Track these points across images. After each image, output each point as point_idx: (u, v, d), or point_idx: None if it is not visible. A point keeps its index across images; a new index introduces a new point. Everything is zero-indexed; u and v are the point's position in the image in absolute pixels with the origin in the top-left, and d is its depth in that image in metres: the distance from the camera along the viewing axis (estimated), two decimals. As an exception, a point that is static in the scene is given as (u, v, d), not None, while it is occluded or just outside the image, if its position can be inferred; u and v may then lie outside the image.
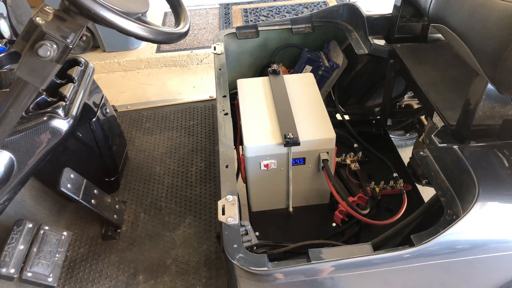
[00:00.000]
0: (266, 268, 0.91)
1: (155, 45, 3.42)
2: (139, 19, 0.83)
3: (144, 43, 3.42)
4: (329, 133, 1.36)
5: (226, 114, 1.36)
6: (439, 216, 1.02)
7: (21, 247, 1.20)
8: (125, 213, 1.53)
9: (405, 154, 1.95)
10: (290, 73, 1.92)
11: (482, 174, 0.99)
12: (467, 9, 0.95)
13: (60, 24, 0.76)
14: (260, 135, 1.36)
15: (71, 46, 0.77)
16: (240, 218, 1.15)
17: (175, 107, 2.05)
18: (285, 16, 3.68)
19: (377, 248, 0.99)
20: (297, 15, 3.70)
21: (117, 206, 1.51)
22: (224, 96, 1.44)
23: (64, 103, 1.19)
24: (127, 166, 1.73)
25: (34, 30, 0.77)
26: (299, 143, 1.32)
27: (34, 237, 1.25)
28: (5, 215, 1.31)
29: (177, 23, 0.95)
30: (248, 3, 3.95)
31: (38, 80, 0.79)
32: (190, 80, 3.16)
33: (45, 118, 1.15)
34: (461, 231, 0.94)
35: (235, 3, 3.95)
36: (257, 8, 3.84)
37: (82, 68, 1.36)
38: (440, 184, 1.07)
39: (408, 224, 1.20)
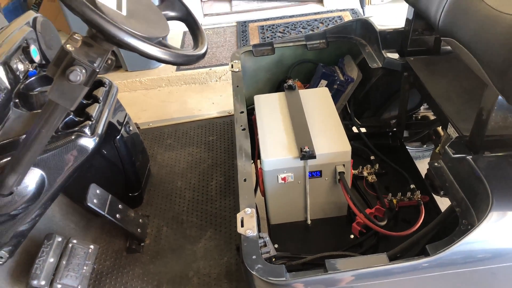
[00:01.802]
0: (284, 279, 0.94)
1: (175, 64, 3.52)
2: (160, 42, 0.89)
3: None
4: (345, 146, 1.39)
5: (244, 129, 1.41)
6: (455, 226, 1.04)
7: (51, 260, 1.26)
8: (148, 227, 1.59)
9: (423, 166, 1.95)
10: (306, 88, 1.96)
11: (496, 183, 1.01)
12: (474, 23, 0.98)
13: (88, 50, 0.82)
14: (277, 149, 1.40)
15: (97, 70, 0.83)
16: (259, 230, 1.19)
17: (195, 123, 2.12)
18: (301, 31, 3.74)
19: (394, 259, 1.01)
20: (313, 30, 3.77)
21: (140, 220, 1.56)
22: (242, 112, 1.49)
23: (90, 122, 1.26)
24: (150, 182, 1.79)
25: (64, 56, 0.84)
26: (315, 156, 1.35)
27: (63, 250, 1.31)
28: (36, 230, 1.38)
29: (196, 45, 1.01)
30: (265, 20, 4.03)
31: (68, 102, 0.85)
32: (209, 97, 3.24)
33: (73, 137, 1.22)
34: (475, 241, 0.96)
35: (252, 21, 4.04)
36: (273, 25, 3.92)
37: (106, 88, 1.43)
38: (455, 194, 1.09)
39: (425, 235, 1.21)
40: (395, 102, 1.90)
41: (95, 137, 1.26)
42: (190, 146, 1.97)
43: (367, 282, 0.96)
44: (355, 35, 1.88)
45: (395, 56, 1.68)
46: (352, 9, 4.03)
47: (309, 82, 1.99)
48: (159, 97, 3.33)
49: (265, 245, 1.10)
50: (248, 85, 1.99)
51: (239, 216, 1.09)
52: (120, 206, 1.50)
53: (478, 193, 1.02)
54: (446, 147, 1.19)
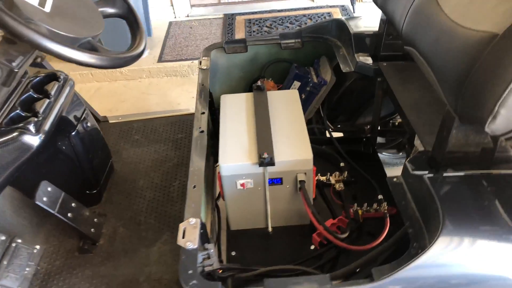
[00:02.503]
0: (217, 298, 0.89)
1: (157, 55, 3.45)
2: (89, 43, 0.82)
3: (146, 53, 3.45)
4: (307, 154, 1.34)
5: (202, 131, 1.35)
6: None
7: (-9, 260, 1.21)
8: (104, 227, 1.53)
9: (396, 174, 1.90)
10: (279, 88, 1.90)
11: (450, 206, 0.95)
12: (433, 35, 0.92)
13: (8, 47, 0.76)
14: (236, 154, 1.34)
15: (16, 70, 0.76)
16: (208, 241, 1.13)
17: (166, 120, 2.05)
18: (288, 27, 3.67)
19: (340, 278, 0.97)
20: (300, 26, 3.69)
21: (95, 219, 1.50)
22: (203, 113, 1.43)
23: (36, 119, 1.19)
24: (112, 179, 1.73)
25: None
26: (274, 163, 1.30)
27: (6, 250, 1.25)
28: (-18, 226, 1.32)
29: (132, 43, 0.94)
30: (253, 13, 3.95)
31: None
32: (190, 90, 3.17)
33: (15, 134, 1.15)
34: (423, 266, 0.91)
35: (239, 14, 3.96)
36: (261, 19, 3.84)
37: (60, 83, 1.36)
38: (410, 214, 1.04)
39: (381, 253, 1.16)
40: (370, 107, 1.84)
41: (40, 135, 1.19)
42: (157, 143, 1.91)
43: (306, 305, 0.91)
44: (331, 36, 1.82)
45: (369, 60, 1.62)
46: (343, 6, 3.95)
47: (284, 82, 1.93)
48: (139, 89, 3.25)
49: (208, 258, 1.05)
50: (220, 83, 1.93)
51: (181, 226, 1.03)
52: (73, 204, 1.44)
53: (431, 215, 0.97)
54: (406, 162, 1.14)
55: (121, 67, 0.81)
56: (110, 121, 2.06)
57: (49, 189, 1.38)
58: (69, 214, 1.40)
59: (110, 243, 1.48)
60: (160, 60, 3.36)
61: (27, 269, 1.26)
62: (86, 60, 0.74)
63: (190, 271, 0.94)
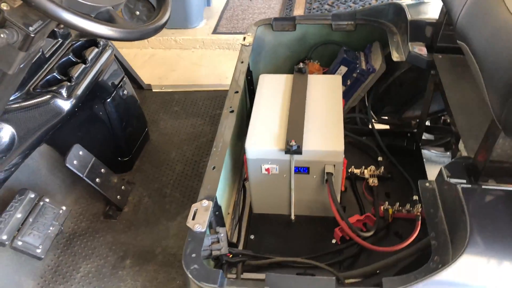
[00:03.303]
0: (216, 286, 0.87)
1: (213, 26, 3.42)
2: (108, 13, 0.79)
3: (202, 23, 3.43)
4: (338, 146, 1.26)
5: (232, 111, 1.31)
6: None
7: (19, 215, 1.26)
8: (130, 195, 1.56)
9: (439, 175, 1.77)
10: (324, 72, 1.81)
11: (481, 221, 0.85)
12: (489, 31, 0.80)
13: (27, 11, 0.75)
14: (263, 138, 1.29)
15: (32, 35, 0.75)
16: (221, 225, 1.11)
17: (207, 94, 2.04)
18: (350, 7, 3.49)
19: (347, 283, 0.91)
20: (364, 6, 3.49)
21: (123, 187, 1.53)
22: (236, 92, 1.39)
23: (69, 84, 1.21)
24: (146, 148, 1.75)
25: None
26: (301, 152, 1.23)
27: (33, 207, 1.31)
28: (17, 181, 1.38)
29: (156, 13, 0.90)
30: (315, -10, 3.79)
31: (4, 65, 0.79)
32: (240, 65, 3.12)
33: (47, 97, 1.18)
34: (441, 283, 0.82)
35: (301, -11, 3.81)
36: (323, -4, 3.68)
37: (99, 49, 1.37)
38: (437, 224, 0.95)
39: (403, 259, 1.08)
40: (420, 101, 1.71)
41: (72, 99, 1.21)
42: (195, 117, 1.90)
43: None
44: (387, 20, 1.68)
45: (424, 50, 1.48)
46: (412, -12, 3.67)
47: (330, 66, 1.83)
48: (191, 59, 3.25)
49: (217, 242, 1.03)
50: (265, 62, 1.86)
51: (193, 207, 1.01)
52: (102, 170, 1.47)
53: (458, 229, 0.87)
54: (442, 167, 1.03)
55: (140, 40, 0.78)
56: (154, 90, 2.08)
57: (80, 153, 1.41)
58: (97, 180, 1.43)
59: (134, 211, 1.51)
60: (215, 31, 3.34)
61: (51, 228, 1.30)
62: (104, 32, 0.72)
63: (194, 255, 0.92)
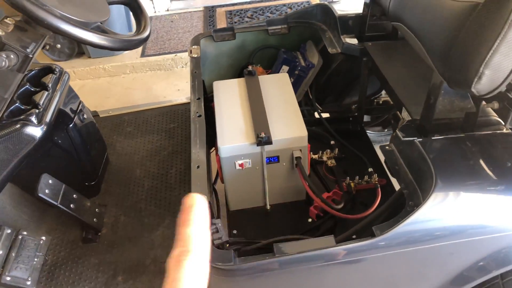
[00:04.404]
0: (232, 263, 0.94)
1: (140, 50, 3.44)
2: (98, 27, 0.86)
3: (128, 48, 3.44)
4: (301, 131, 1.39)
5: (200, 116, 1.39)
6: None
7: (0, 252, 1.23)
8: (105, 216, 1.56)
9: (383, 150, 1.98)
10: (268, 74, 1.95)
11: (440, 165, 1.03)
12: (420, 8, 0.99)
13: (21, 34, 0.79)
14: (233, 136, 1.38)
15: (31, 56, 0.79)
16: (214, 217, 1.18)
17: (156, 111, 2.08)
18: (269, 17, 3.71)
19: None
20: (281, 15, 3.73)
21: (97, 209, 1.53)
22: (198, 99, 1.47)
23: (37, 110, 1.21)
24: (108, 170, 1.76)
25: None
26: (271, 142, 1.35)
27: (12, 242, 1.27)
28: (-15, 222, 1.33)
29: (138, 28, 0.98)
30: (232, 5, 3.98)
31: (1, 89, 0.81)
32: (175, 83, 3.19)
33: (18, 126, 1.17)
34: (419, 221, 0.98)
35: (219, 6, 3.98)
36: (242, 10, 3.87)
37: (56, 75, 1.38)
38: (404, 177, 1.11)
39: (377, 218, 1.23)
40: (356, 87, 1.91)
41: (42, 126, 1.22)
42: (150, 134, 1.94)
43: (315, 264, 0.97)
44: (316, 20, 1.87)
45: (355, 41, 1.68)
46: (320, -5, 4.00)
47: (272, 67, 1.98)
48: (123, 84, 3.25)
49: (217, 231, 1.10)
50: (209, 71, 1.96)
51: (190, 203, 1.07)
52: (74, 195, 1.46)
53: (424, 175, 1.04)
54: (396, 130, 1.20)
55: (130, 49, 0.84)
56: (101, 115, 2.08)
57: (50, 181, 1.40)
58: (71, 205, 1.42)
59: (113, 231, 1.51)
60: (143, 54, 3.36)
61: (35, 259, 1.28)
62: (100, 41, 0.78)
63: (202, 243, 0.98)
